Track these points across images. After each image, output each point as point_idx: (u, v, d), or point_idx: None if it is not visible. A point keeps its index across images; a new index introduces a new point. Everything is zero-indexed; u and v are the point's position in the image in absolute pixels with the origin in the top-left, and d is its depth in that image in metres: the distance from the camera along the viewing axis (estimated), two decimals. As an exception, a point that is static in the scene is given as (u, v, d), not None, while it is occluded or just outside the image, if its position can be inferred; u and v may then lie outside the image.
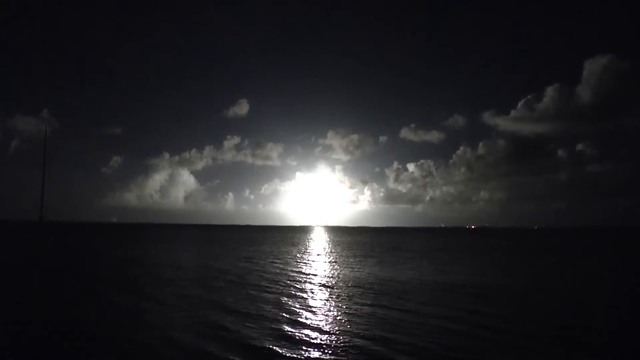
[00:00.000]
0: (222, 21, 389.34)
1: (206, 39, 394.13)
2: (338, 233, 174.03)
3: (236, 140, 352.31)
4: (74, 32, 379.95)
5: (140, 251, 50.90)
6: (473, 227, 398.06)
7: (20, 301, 18.42)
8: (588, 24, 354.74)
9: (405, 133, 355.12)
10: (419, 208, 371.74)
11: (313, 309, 17.10)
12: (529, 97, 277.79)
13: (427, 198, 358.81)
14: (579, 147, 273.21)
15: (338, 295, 20.61)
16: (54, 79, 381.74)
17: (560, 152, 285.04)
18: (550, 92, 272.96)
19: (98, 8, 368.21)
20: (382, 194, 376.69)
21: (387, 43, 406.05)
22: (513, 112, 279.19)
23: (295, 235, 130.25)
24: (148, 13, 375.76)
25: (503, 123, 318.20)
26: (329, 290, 22.20)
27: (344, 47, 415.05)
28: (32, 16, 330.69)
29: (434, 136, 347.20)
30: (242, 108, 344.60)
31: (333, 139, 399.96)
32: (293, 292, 21.22)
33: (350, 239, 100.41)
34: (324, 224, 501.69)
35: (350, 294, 21.01)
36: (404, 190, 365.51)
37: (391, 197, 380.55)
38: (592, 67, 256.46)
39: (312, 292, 21.34)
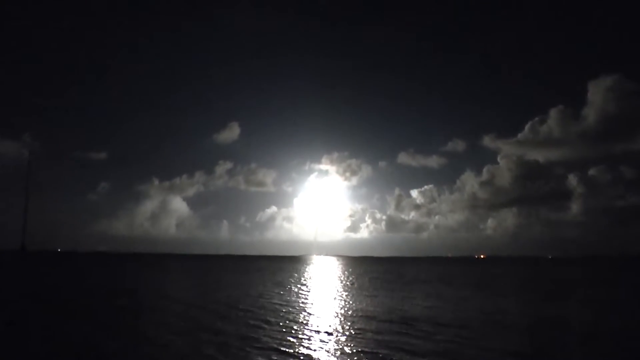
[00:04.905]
0: (210, 42, 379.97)
1: (194, 61, 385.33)
2: (332, 264, 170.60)
3: (228, 165, 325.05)
4: (57, 53, 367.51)
5: (108, 281, 49.77)
6: (482, 256, 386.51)
7: None
8: (592, 44, 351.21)
9: (404, 158, 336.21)
10: (424, 236, 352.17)
11: (227, 343, 15.33)
12: (536, 119, 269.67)
13: (432, 226, 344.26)
14: (591, 172, 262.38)
15: (264, 328, 18.76)
16: (36, 101, 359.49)
17: (570, 177, 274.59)
18: (554, 114, 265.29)
19: (83, 29, 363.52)
20: (383, 222, 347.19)
21: (381, 66, 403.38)
22: (520, 135, 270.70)
23: (283, 265, 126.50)
24: (135, 35, 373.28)
25: (506, 147, 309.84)
26: (258, 321, 20.35)
27: (336, 68, 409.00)
28: (13, 37, 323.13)
29: (434, 161, 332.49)
30: (233, 132, 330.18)
31: (329, 165, 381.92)
32: (221, 326, 19.43)
33: (340, 269, 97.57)
34: (324, 254, 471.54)
35: (277, 328, 19.14)
36: (406, 218, 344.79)
37: (393, 225, 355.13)
38: (596, 88, 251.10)
39: (243, 326, 19.51)
